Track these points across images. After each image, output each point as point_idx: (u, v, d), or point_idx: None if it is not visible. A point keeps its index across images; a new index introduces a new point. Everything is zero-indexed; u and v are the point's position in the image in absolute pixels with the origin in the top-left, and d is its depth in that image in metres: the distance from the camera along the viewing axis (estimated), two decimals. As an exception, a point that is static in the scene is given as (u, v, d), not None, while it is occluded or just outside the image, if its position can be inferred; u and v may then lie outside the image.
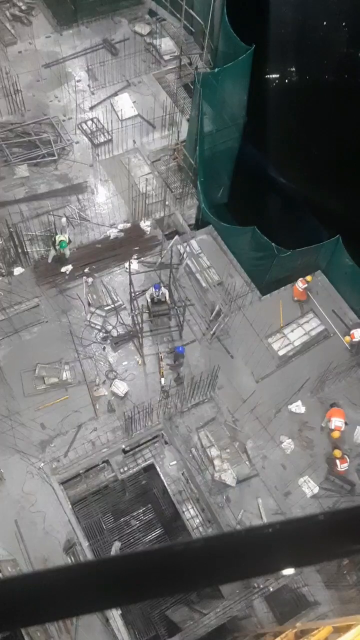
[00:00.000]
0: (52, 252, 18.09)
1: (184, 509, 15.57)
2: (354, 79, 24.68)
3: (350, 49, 25.66)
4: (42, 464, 15.48)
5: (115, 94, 22.08)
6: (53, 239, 17.93)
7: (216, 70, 18.97)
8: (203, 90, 19.08)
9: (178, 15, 23.34)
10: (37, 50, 22.55)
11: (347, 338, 17.99)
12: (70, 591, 1.25)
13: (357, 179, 20.72)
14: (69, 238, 18.27)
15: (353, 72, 24.92)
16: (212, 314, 17.91)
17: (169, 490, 15.83)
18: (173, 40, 23.41)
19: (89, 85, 22.22)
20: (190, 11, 22.49)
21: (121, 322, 17.73)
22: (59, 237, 17.80)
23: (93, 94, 22.12)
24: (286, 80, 26.25)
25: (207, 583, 1.38)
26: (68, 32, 23.26)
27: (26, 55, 22.50)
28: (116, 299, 18.04)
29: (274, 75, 25.88)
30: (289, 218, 21.63)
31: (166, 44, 23.21)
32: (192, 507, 15.55)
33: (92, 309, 17.78)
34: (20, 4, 23.52)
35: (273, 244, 16.99)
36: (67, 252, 18.25)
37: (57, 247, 17.86)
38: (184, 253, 19.08)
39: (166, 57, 23.07)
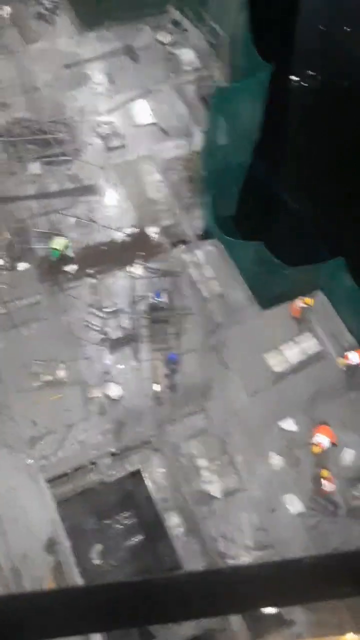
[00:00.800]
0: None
1: (167, 517, 15.62)
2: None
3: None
4: (30, 461, 15.54)
5: (133, 100, 22.26)
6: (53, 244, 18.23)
7: (233, 85, 19.22)
8: (219, 103, 19.34)
9: (201, 27, 23.59)
10: (58, 50, 22.75)
11: (341, 359, 18.08)
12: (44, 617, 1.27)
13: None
14: (67, 243, 18.43)
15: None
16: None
17: (153, 496, 15.88)
18: (194, 52, 23.61)
19: (107, 89, 22.40)
20: (213, 24, 22.76)
21: (120, 325, 17.83)
22: (54, 243, 18.10)
23: (111, 97, 22.30)
24: (304, 94, 26.46)
25: (185, 617, 1.44)
26: (90, 35, 23.44)
27: (47, 54, 22.69)
28: (117, 302, 18.15)
29: (292, 89, 26.12)
30: (294, 235, 21.80)
31: (187, 55, 23.41)
32: (176, 516, 15.60)
33: (93, 310, 17.89)
34: (46, 2, 23.75)
35: (276, 260, 17.14)
36: (71, 252, 18.45)
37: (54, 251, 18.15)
38: (188, 262, 19.22)
39: (186, 68, 23.28)
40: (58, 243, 18.30)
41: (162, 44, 23.71)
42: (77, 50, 22.98)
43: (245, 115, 19.79)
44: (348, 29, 27.00)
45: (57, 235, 18.68)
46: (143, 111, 22.05)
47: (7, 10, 23.18)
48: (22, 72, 20.81)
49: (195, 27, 23.89)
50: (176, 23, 24.28)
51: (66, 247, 18.38)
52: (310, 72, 26.20)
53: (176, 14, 24.31)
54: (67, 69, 22.52)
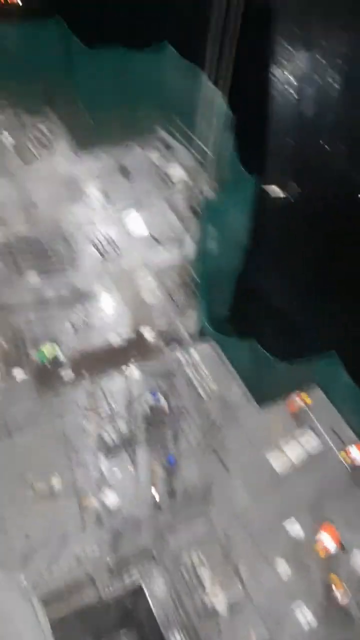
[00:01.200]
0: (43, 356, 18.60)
1: (170, 636, 14.51)
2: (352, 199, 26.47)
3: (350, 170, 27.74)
4: (24, 579, 14.66)
5: (127, 213, 23.49)
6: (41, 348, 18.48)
7: (221, 196, 20.37)
8: (208, 214, 20.37)
9: (188, 146, 25.42)
10: (55, 170, 24.34)
11: (343, 453, 17.74)
12: None
13: (356, 299, 21.58)
14: (55, 350, 18.69)
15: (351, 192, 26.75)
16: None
17: (155, 613, 14.85)
18: (182, 167, 25.28)
19: (102, 204, 23.71)
20: (199, 142, 24.54)
21: (116, 428, 17.58)
22: (43, 348, 18.42)
23: (105, 211, 23.55)
24: (287, 203, 27.97)
25: None
26: (85, 155, 25.20)
27: (45, 173, 24.23)
28: (113, 405, 18.02)
29: (275, 198, 27.67)
30: (286, 331, 22.13)
31: (176, 170, 25.06)
32: (179, 634, 14.49)
33: (88, 414, 17.71)
34: (44, 128, 25.75)
35: (270, 355, 17.27)
36: (62, 357, 18.67)
37: (41, 356, 18.38)
38: (184, 362, 19.35)
39: (176, 182, 24.82)
40: (46, 348, 18.58)
41: (153, 161, 25.45)
42: (73, 169, 24.57)
43: (233, 224, 20.77)
44: (326, 146, 29.19)
45: (49, 341, 18.96)
46: (137, 222, 23.22)
47: (6, 134, 25.09)
48: (21, 191, 22.13)
49: (182, 145, 25.77)
50: (165, 142, 26.22)
51: (54, 353, 18.62)
52: (292, 183, 27.94)
53: (164, 135, 26.33)
54: (64, 187, 23.98)
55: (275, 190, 27.82)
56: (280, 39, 35.95)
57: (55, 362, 18.61)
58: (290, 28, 36.43)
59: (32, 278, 20.73)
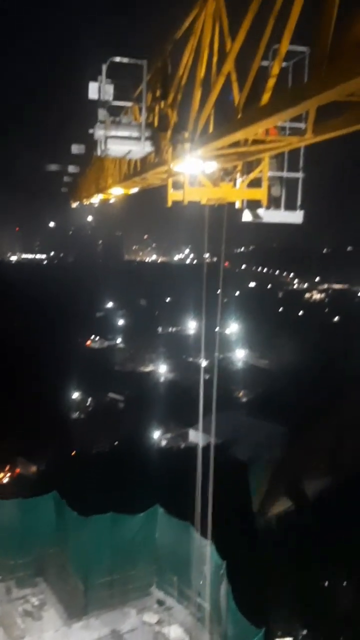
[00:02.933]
0: None
1: None
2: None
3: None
4: None
5: None
6: None
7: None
8: None
9: (185, 603, 24.22)
10: None
11: None
12: None
13: None
14: None
15: None
16: None
17: None
18: (181, 627, 23.50)
19: None
20: (198, 599, 23.52)
21: None
22: None
23: None
24: None
25: None
26: (76, 625, 23.54)
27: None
28: None
29: None
30: None
31: (175, 631, 23.18)
32: None
33: None
34: (34, 600, 24.72)
35: None
36: None
37: None
38: None
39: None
40: None
41: (150, 624, 23.74)
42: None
43: None
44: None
45: None
46: None
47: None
48: None
49: (179, 603, 24.56)
50: (161, 602, 25.02)
51: None
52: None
53: (160, 594, 25.36)
54: None
55: None
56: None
57: None
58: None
59: None
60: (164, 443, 58.51)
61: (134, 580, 25.35)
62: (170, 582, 25.17)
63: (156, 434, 59.18)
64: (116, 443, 52.44)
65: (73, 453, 50.04)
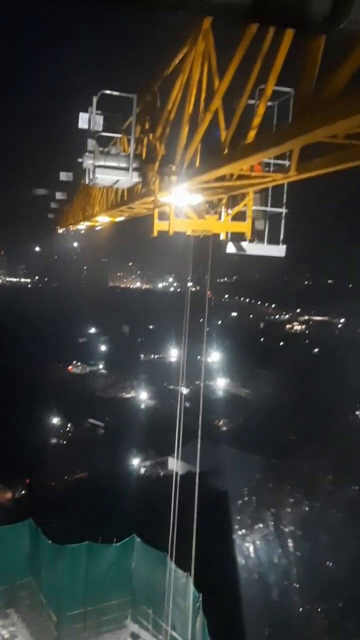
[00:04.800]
0: None
1: None
2: None
3: None
4: None
5: None
6: None
7: None
8: None
9: (161, 637, 23.72)
10: None
11: None
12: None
13: None
14: None
15: None
16: None
17: None
18: None
19: None
20: (173, 633, 23.05)
21: None
22: None
23: None
24: None
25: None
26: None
27: None
28: None
29: None
30: None
31: None
32: None
33: None
34: (4, 632, 24.04)
35: None
36: None
37: None
38: None
39: None
40: None
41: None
42: None
43: None
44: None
45: None
46: None
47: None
48: None
49: (153, 636, 24.05)
50: (135, 636, 24.49)
51: None
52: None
53: (135, 627, 24.83)
54: None
55: None
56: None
57: None
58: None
59: None
60: (142, 471, 57.89)
61: (108, 612, 24.83)
62: (145, 614, 24.68)
63: (135, 462, 58.57)
64: (94, 470, 51.78)
65: (50, 480, 49.26)
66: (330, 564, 32.20)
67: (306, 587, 31.80)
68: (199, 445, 17.82)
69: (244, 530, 39.86)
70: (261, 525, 41.11)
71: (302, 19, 2.53)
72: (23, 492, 46.81)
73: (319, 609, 30.97)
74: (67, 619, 23.85)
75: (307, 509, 44.05)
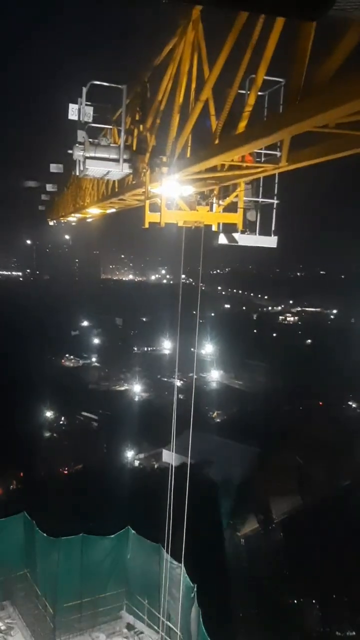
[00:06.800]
0: None
1: None
2: None
3: None
4: None
5: None
6: None
7: None
8: None
9: (156, 628, 23.87)
10: None
11: None
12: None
13: None
14: None
15: None
16: None
17: None
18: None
19: None
20: (168, 623, 23.20)
21: None
22: None
23: None
24: None
25: None
26: None
27: None
28: None
29: None
30: None
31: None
32: None
33: None
34: (0, 624, 24.11)
35: None
36: None
37: None
38: None
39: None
40: None
41: None
42: None
43: None
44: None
45: None
46: None
47: None
48: None
49: (149, 627, 24.20)
50: (130, 627, 24.64)
51: None
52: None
53: (130, 618, 24.96)
54: None
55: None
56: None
57: None
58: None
59: None
60: (137, 463, 57.96)
61: (104, 603, 24.94)
62: (140, 605, 24.81)
63: (129, 454, 58.61)
64: (88, 463, 51.78)
65: (44, 473, 49.22)
66: (321, 553, 32.42)
67: (298, 577, 32.03)
68: (190, 438, 17.86)
69: (237, 520, 40.02)
70: (254, 516, 41.32)
71: (290, 6, 2.51)
72: (17, 485, 46.75)
73: (313, 600, 31.21)
74: (63, 610, 23.91)
75: (299, 498, 44.34)
